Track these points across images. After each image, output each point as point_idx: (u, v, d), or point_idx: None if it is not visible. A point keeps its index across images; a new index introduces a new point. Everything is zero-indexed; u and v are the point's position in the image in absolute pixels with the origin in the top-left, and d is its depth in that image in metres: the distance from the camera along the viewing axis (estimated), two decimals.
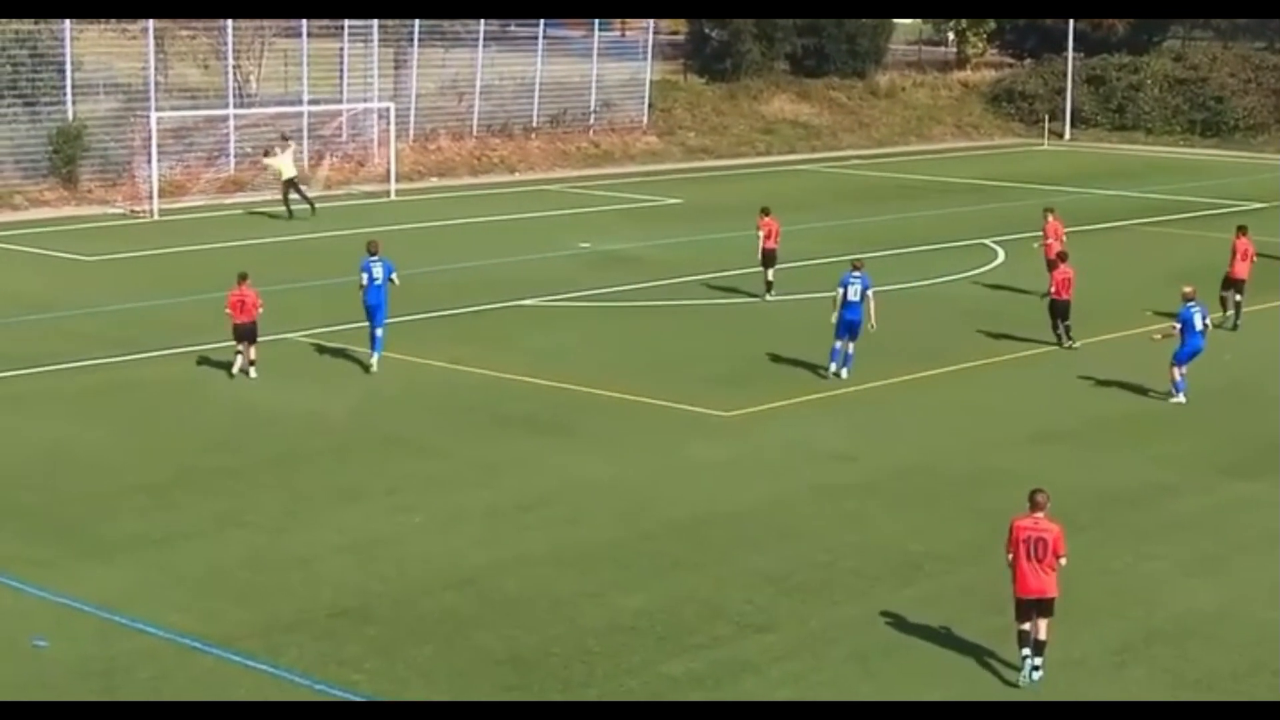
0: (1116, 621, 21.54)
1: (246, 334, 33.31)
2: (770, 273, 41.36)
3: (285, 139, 56.72)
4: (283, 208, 53.52)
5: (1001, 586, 20.03)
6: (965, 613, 21.42)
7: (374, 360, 33.79)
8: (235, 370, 33.32)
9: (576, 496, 26.25)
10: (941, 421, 30.96)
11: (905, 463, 28.30)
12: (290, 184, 53.79)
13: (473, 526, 24.79)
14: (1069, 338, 36.28)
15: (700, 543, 24.22)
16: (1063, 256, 37.18)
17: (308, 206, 53.62)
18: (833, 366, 33.38)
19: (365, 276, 33.78)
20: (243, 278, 33.64)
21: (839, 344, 33.33)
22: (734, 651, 20.44)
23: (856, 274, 33.43)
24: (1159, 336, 32.67)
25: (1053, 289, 36.36)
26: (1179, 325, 32.03)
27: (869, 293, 33.23)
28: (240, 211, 54.51)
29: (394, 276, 34.01)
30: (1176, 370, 32.07)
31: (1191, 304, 32.05)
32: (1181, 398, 31.92)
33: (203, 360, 34.52)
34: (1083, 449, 29.13)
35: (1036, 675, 19.61)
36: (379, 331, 33.73)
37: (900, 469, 27.95)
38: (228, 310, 33.35)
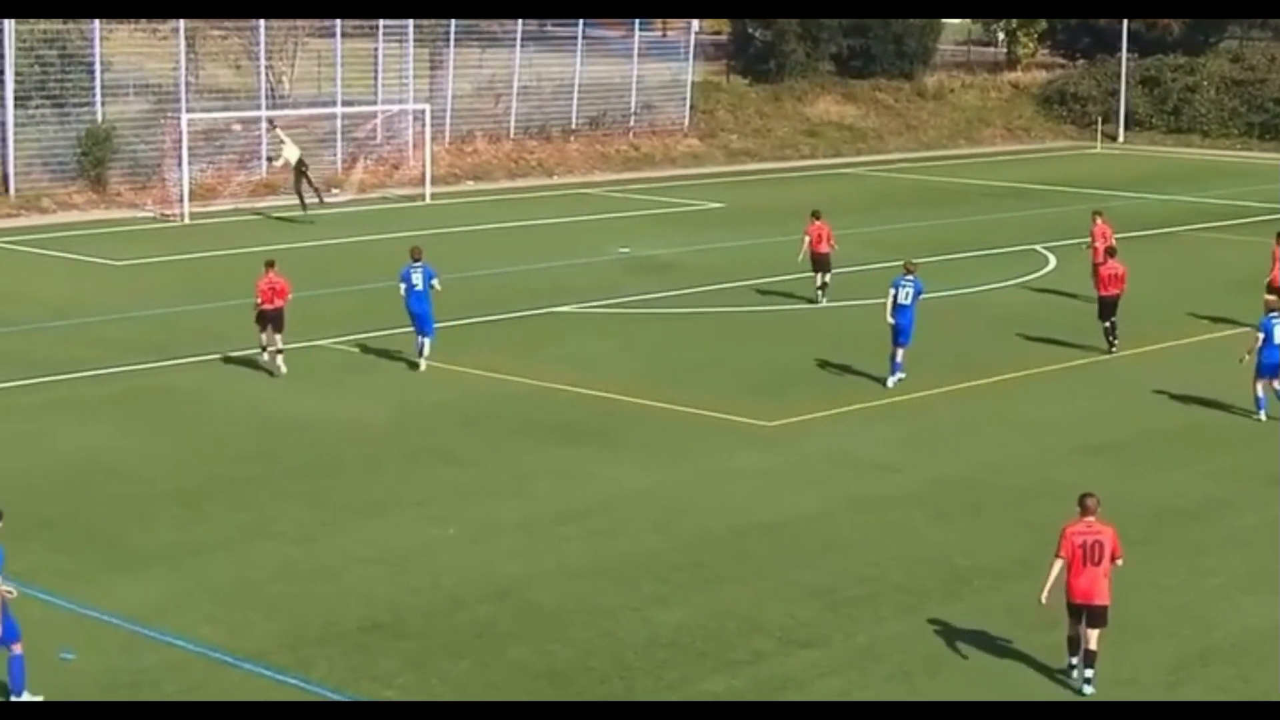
0: (1170, 640, 21.42)
1: (273, 320, 33.56)
2: (822, 277, 41.33)
3: (273, 125, 56.89)
4: (299, 205, 53.52)
5: (1052, 604, 19.94)
6: (1015, 630, 21.32)
7: (421, 362, 34.36)
8: (265, 358, 33.83)
9: (614, 507, 26.23)
10: (989, 432, 30.86)
11: (952, 474, 28.21)
12: (301, 172, 53.82)
13: (508, 538, 24.79)
14: (1112, 339, 36.15)
15: (741, 555, 24.18)
16: (1111, 252, 37.24)
17: (300, 205, 53.62)
18: (892, 377, 33.36)
19: (404, 285, 34.19)
20: (270, 264, 34.13)
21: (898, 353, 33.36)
22: (776, 667, 20.39)
23: (909, 277, 33.42)
24: (1247, 356, 31.93)
25: (1099, 285, 36.38)
26: (1261, 336, 31.43)
27: (920, 297, 33.23)
28: (273, 215, 54.63)
29: (435, 282, 34.32)
30: (1259, 385, 31.54)
31: (1274, 314, 31.51)
32: (1262, 415, 31.41)
33: (233, 367, 34.63)
34: (1134, 461, 29.00)
35: (1089, 689, 19.57)
36: (426, 340, 34.26)
37: (947, 480, 27.87)
38: (257, 298, 33.58)
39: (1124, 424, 31.48)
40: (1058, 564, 19.71)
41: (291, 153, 54.56)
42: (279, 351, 33.79)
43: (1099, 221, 42.27)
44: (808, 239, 41.39)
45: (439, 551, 24.14)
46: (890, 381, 33.27)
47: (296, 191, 53.98)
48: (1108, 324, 36.28)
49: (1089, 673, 19.67)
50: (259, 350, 34.30)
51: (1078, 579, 19.62)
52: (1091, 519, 19.70)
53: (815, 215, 41.83)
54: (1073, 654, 19.89)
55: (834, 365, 35.30)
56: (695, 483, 27.63)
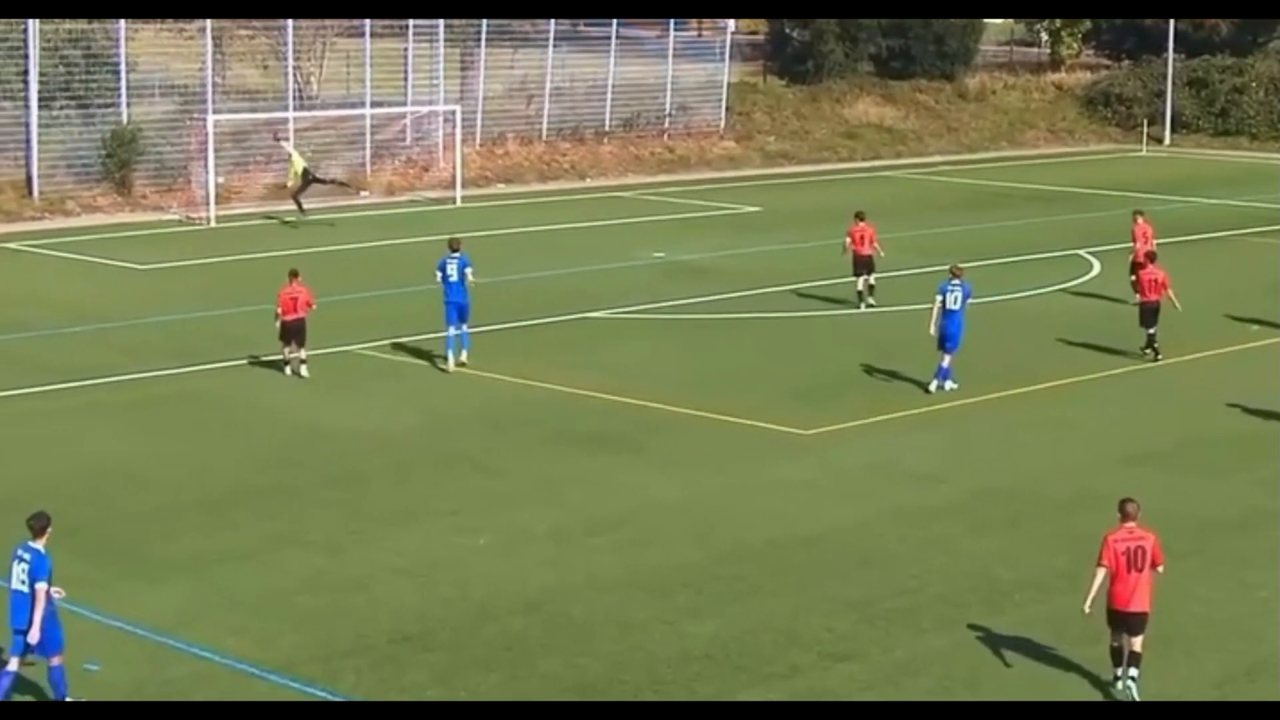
0: (1216, 654, 21.37)
1: (295, 333, 33.83)
2: (865, 280, 41.36)
3: (277, 137, 57.01)
4: (297, 209, 53.66)
5: (1096, 617, 19.91)
6: (1058, 643, 21.29)
7: (463, 356, 34.85)
8: (289, 371, 34.15)
9: (647, 518, 26.26)
10: (1031, 441, 30.82)
11: (994, 485, 28.18)
12: (309, 181, 53.91)
13: (539, 548, 24.82)
14: (1151, 348, 36.12)
15: (778, 567, 24.18)
16: (1151, 257, 37.28)
17: (298, 209, 53.80)
18: (934, 383, 33.35)
19: (439, 275, 34.87)
20: (294, 274, 34.40)
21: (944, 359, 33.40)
22: (813, 682, 20.39)
23: (956, 281, 33.44)
24: None
25: (1139, 292, 36.37)
26: None
27: (968, 301, 33.26)
28: (300, 218, 54.76)
29: (469, 272, 34.86)
30: None
31: None
32: None
33: (260, 373, 34.74)
34: (1180, 471, 28.93)
35: (1134, 688, 19.69)
36: (464, 327, 34.90)
37: (989, 491, 27.84)
38: (278, 309, 33.83)
39: (1168, 433, 31.41)
40: (1100, 573, 19.72)
41: (298, 164, 54.52)
42: (302, 361, 34.15)
43: (1140, 221, 42.41)
44: (849, 240, 41.47)
45: (469, 562, 24.19)
46: (932, 386, 33.25)
47: (295, 199, 53.91)
48: (1151, 332, 36.19)
49: (1134, 672, 19.77)
50: (282, 364, 34.52)
51: (1121, 586, 19.67)
52: (1133, 524, 19.76)
53: (859, 216, 41.88)
54: (1116, 665, 19.90)
55: (874, 372, 35.28)
56: (730, 493, 27.64)
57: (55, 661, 19.03)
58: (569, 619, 22.14)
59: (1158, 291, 36.12)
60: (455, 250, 35.14)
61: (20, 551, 19.08)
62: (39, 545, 19.03)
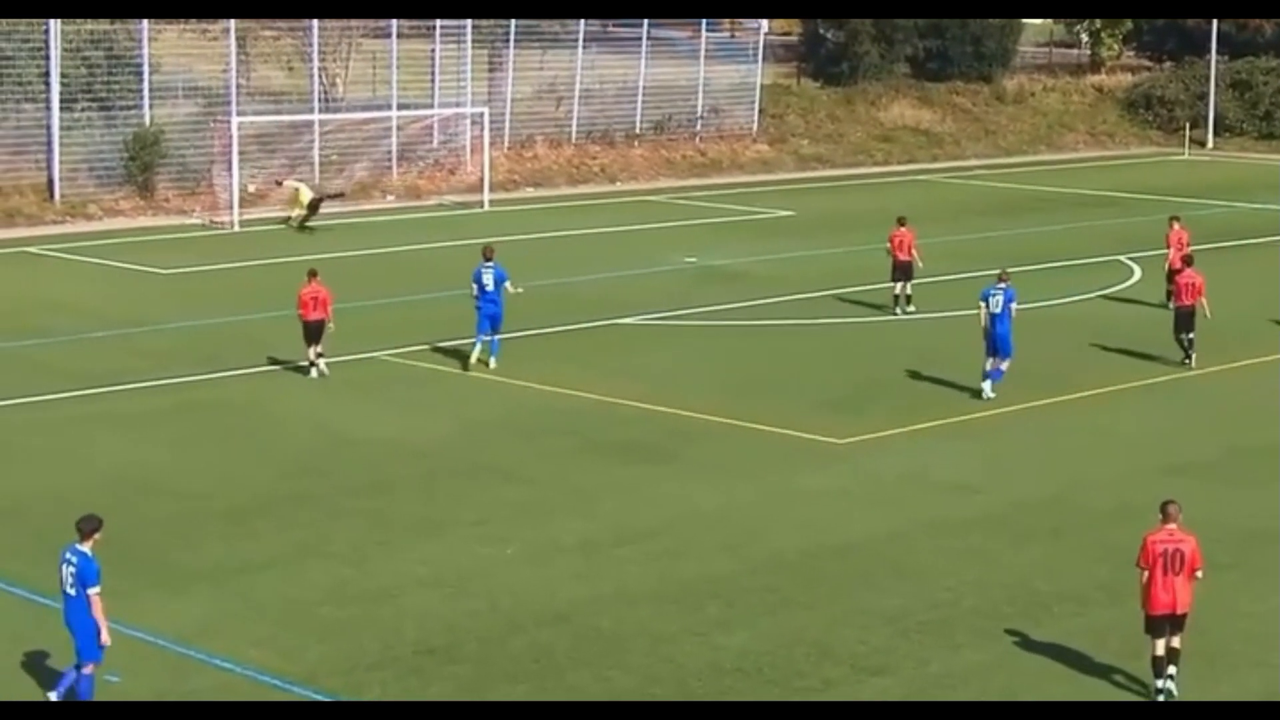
0: (1260, 670, 21.28)
1: (316, 333, 34.18)
2: (902, 287, 41.44)
3: (279, 184, 57.04)
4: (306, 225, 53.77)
5: (1139, 633, 19.88)
6: (1098, 658, 21.24)
7: (492, 363, 35.21)
8: (315, 373, 34.48)
9: (678, 528, 26.25)
10: (1070, 451, 30.76)
11: (1032, 495, 28.13)
12: (316, 208, 53.94)
13: (567, 559, 24.83)
14: (1189, 354, 36.08)
15: (811, 579, 24.17)
16: (1187, 260, 37.30)
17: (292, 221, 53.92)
18: (987, 383, 33.46)
19: (475, 286, 35.19)
20: (312, 274, 34.75)
21: (990, 363, 33.39)
22: (847, 695, 20.34)
23: (1000, 285, 33.48)
24: None
25: (1176, 296, 36.34)
26: None
27: (1011, 306, 33.26)
28: (326, 222, 54.89)
29: (507, 284, 35.26)
30: None
31: None
32: None
33: (284, 380, 34.83)
34: (1222, 482, 28.84)
35: (1172, 686, 19.80)
36: (495, 337, 35.28)
37: (1026, 501, 27.79)
38: (299, 310, 34.16)
39: (1210, 442, 31.33)
40: (1145, 575, 19.86)
41: (305, 195, 54.47)
42: (320, 355, 34.59)
43: (1175, 226, 42.75)
44: (890, 244, 41.58)
45: (497, 573, 24.20)
46: (987, 390, 33.32)
47: (302, 224, 53.98)
48: (1188, 338, 36.15)
49: (1172, 670, 19.86)
50: (306, 364, 34.71)
51: (1158, 589, 19.78)
52: (1173, 526, 19.89)
53: (900, 221, 41.97)
54: (1158, 676, 19.89)
55: (909, 380, 35.25)
56: (763, 503, 27.62)
57: (87, 670, 19.11)
58: (598, 631, 22.15)
59: (1194, 296, 36.08)
60: (489, 259, 35.45)
61: (68, 554, 19.23)
62: (86, 548, 19.16)
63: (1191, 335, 36.20)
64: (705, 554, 25.11)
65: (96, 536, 19.27)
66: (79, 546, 19.15)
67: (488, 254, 35.69)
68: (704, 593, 23.50)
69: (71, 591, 19.06)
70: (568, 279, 45.85)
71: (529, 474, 28.88)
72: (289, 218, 54.11)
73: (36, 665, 20.73)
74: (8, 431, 31.21)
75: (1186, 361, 36.17)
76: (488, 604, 22.99)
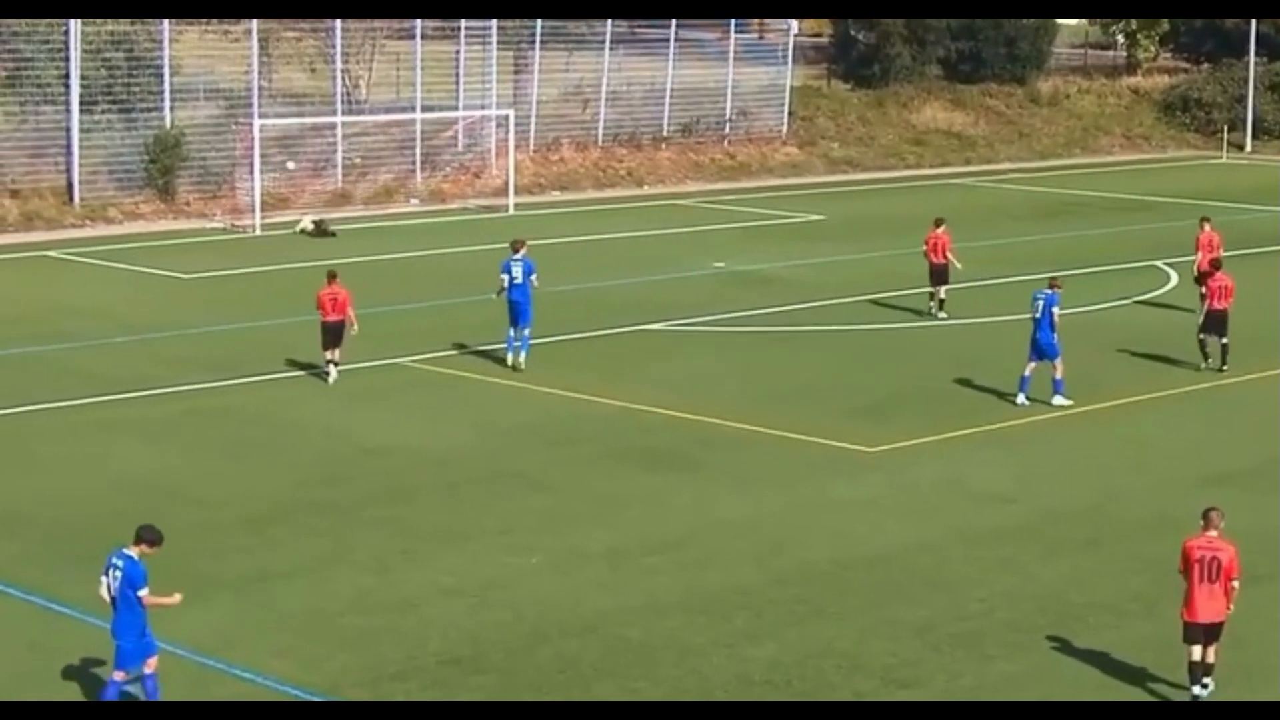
0: None
1: (334, 334, 34.42)
2: (938, 290, 41.44)
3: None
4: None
5: (1176, 645, 19.82)
6: (1133, 672, 21.18)
7: (521, 359, 35.69)
8: (331, 381, 34.58)
9: (706, 537, 26.23)
10: (1106, 460, 30.68)
11: (1066, 505, 28.06)
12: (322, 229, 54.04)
13: (593, 569, 24.83)
14: (1223, 360, 36.04)
15: (840, 590, 24.13)
16: (1216, 264, 37.33)
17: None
18: (1058, 399, 33.60)
19: (505, 277, 35.75)
20: (332, 276, 35.04)
21: (1030, 368, 33.48)
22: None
23: (1045, 291, 33.62)
24: None
25: (1208, 300, 36.31)
26: None
27: (1053, 310, 33.35)
28: (348, 226, 54.98)
29: (534, 278, 35.82)
30: None
31: None
32: None
33: (305, 386, 34.87)
34: (1261, 491, 28.73)
35: (1205, 694, 19.85)
36: (525, 332, 35.76)
37: (1061, 512, 27.72)
38: (319, 310, 34.37)
39: (1250, 451, 31.22)
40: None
41: (306, 223, 54.45)
42: (334, 363, 34.80)
43: (1206, 229, 42.85)
44: (926, 247, 41.68)
45: (521, 582, 24.20)
46: (1058, 400, 33.44)
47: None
48: (1222, 342, 36.14)
49: (1207, 681, 19.96)
50: (323, 368, 34.85)
51: (1193, 596, 19.94)
52: (1213, 534, 20.02)
53: (936, 223, 42.02)
54: (1194, 682, 19.91)
55: (942, 387, 35.20)
56: (792, 512, 27.59)
57: (120, 676, 19.28)
58: (625, 642, 22.13)
59: (1227, 299, 36.08)
60: (517, 251, 36.09)
61: (114, 559, 19.36)
62: (133, 552, 19.29)
63: (1225, 340, 36.14)
64: (733, 564, 25.09)
65: (146, 549, 19.37)
66: (126, 550, 19.30)
67: (517, 246, 36.29)
68: (732, 603, 23.47)
69: (116, 595, 19.22)
70: (593, 284, 45.84)
71: (553, 482, 28.88)
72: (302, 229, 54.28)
73: (50, 674, 20.76)
74: (27, 437, 31.31)
75: (1208, 366, 36.15)
76: (512, 614, 22.99)
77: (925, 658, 21.75)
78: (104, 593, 19.35)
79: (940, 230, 41.88)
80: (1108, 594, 23.96)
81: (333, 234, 53.19)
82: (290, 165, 58.85)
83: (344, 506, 27.41)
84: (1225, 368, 36.21)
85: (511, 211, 58.83)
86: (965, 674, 21.31)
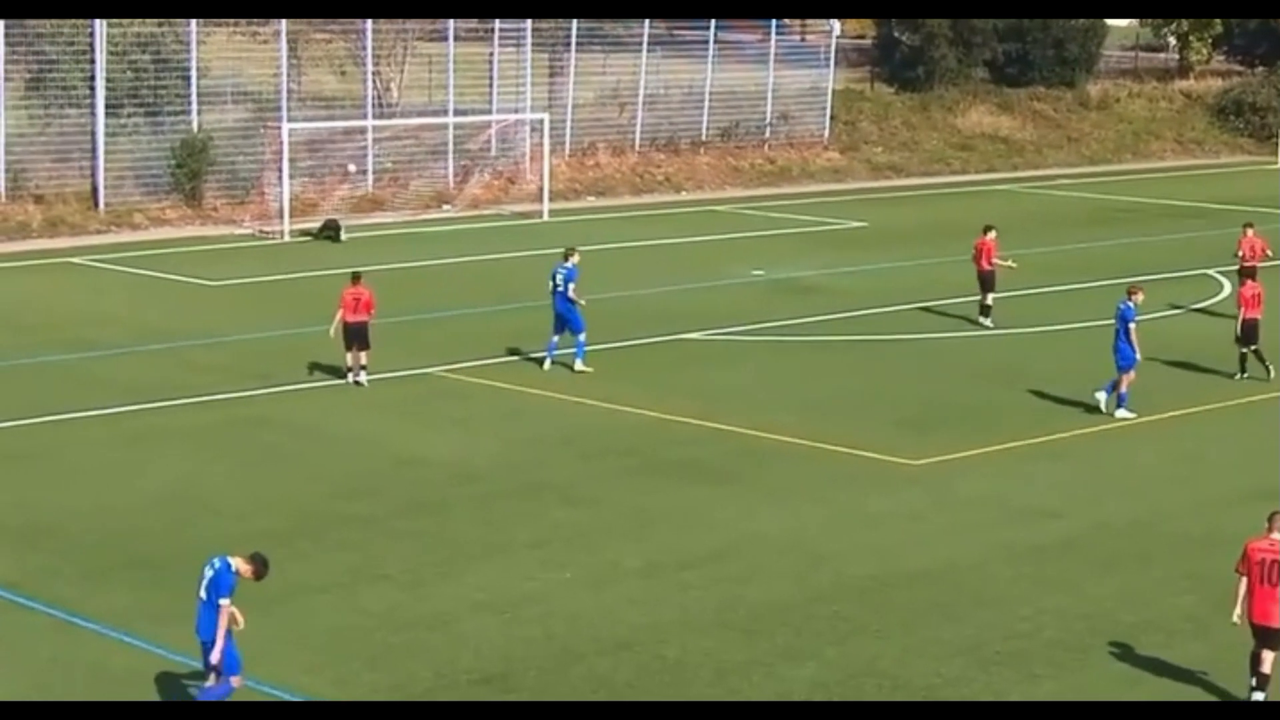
0: None
1: (357, 335, 34.72)
2: (987, 297, 41.50)
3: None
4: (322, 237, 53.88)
5: (1231, 663, 19.77)
6: (1185, 692, 21.13)
7: (577, 365, 36.32)
8: (351, 380, 35.00)
9: (744, 553, 26.22)
10: (1158, 474, 30.61)
11: (1116, 520, 28.00)
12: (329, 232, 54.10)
13: (628, 585, 24.83)
14: (1242, 368, 36.42)
15: (882, 607, 24.11)
16: (1249, 273, 37.61)
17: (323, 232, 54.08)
18: (1102, 393, 33.86)
19: (550, 284, 36.61)
20: (356, 277, 35.48)
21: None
22: None
23: (1122, 300, 33.81)
24: None
25: (1241, 305, 36.43)
26: None
27: (1129, 324, 33.57)
28: (380, 234, 55.09)
29: (571, 285, 36.38)
30: None
31: None
32: None
33: (334, 396, 34.94)
34: None
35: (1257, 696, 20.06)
36: (579, 338, 36.35)
37: (1110, 527, 27.66)
38: (339, 311, 34.80)
39: None
40: (1243, 582, 20.24)
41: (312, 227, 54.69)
42: (363, 368, 35.10)
43: (1249, 233, 42.86)
44: (975, 252, 41.88)
45: (555, 598, 24.22)
46: (1121, 412, 33.54)
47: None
48: (1255, 350, 36.43)
49: (1259, 696, 20.15)
50: (345, 372, 35.01)
51: (1255, 598, 20.23)
52: (1277, 536, 20.27)
53: (986, 229, 42.09)
54: (1253, 675, 20.28)
55: (988, 398, 35.15)
56: (833, 526, 27.57)
57: (235, 682, 19.59)
58: (661, 660, 22.14)
59: (1257, 307, 36.31)
60: (566, 259, 36.77)
61: (214, 560, 19.74)
62: (235, 563, 19.62)
63: (1257, 348, 36.29)
64: (771, 580, 25.08)
65: (247, 571, 19.74)
66: (230, 559, 19.69)
67: (566, 254, 36.99)
68: (771, 621, 23.47)
69: (204, 595, 19.57)
70: (630, 292, 45.85)
71: (587, 494, 28.90)
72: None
73: (71, 689, 20.82)
74: (53, 447, 31.41)
75: (1244, 377, 36.24)
76: (544, 631, 23.01)
77: (971, 677, 21.72)
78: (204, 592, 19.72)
79: (987, 237, 41.91)
80: (1158, 612, 23.89)
81: (337, 238, 53.30)
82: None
83: (375, 519, 27.46)
84: (1243, 376, 36.34)
85: (546, 218, 58.86)
86: (1011, 693, 21.27)
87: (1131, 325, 33.50)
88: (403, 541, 26.47)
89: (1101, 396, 33.68)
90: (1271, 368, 36.56)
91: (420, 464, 30.55)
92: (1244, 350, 36.68)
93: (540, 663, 22.00)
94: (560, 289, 36.36)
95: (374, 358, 35.50)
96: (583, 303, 36.54)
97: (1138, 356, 33.52)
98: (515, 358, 37.43)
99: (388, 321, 37.57)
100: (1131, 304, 33.72)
